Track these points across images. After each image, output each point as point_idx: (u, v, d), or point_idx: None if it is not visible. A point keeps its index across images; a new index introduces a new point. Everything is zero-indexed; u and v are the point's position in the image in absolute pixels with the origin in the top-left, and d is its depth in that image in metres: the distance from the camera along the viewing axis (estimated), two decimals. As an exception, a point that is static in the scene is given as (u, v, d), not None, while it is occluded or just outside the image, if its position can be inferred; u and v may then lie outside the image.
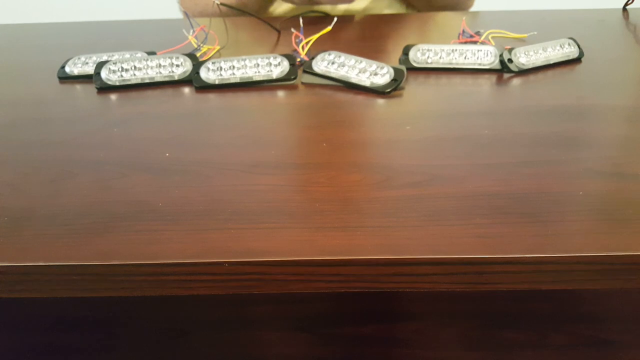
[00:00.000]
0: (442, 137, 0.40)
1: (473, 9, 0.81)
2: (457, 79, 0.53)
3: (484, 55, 0.53)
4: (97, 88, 0.51)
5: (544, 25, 0.71)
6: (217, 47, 0.60)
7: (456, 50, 0.54)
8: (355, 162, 0.37)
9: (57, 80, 0.54)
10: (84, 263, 0.28)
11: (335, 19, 0.61)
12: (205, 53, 0.59)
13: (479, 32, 0.65)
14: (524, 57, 0.53)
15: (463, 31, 0.65)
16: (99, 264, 0.27)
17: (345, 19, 0.75)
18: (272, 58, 0.52)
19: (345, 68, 0.51)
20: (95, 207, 0.32)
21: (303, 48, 0.58)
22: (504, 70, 0.53)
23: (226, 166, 0.37)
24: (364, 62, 0.51)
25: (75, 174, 0.36)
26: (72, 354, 0.56)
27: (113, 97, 0.50)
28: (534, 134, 0.40)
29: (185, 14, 0.62)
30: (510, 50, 0.53)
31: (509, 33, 0.64)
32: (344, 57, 0.52)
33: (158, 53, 0.57)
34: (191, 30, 0.61)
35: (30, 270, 0.28)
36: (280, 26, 0.69)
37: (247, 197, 0.33)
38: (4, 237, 0.30)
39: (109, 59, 0.55)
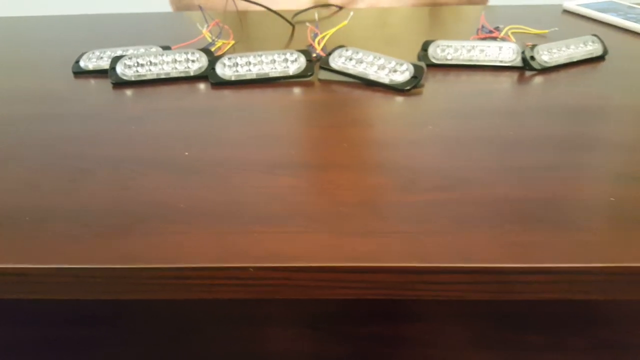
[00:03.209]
0: (466, 137, 0.39)
1: (491, 2, 0.79)
2: (477, 76, 0.52)
3: (506, 52, 0.52)
4: (112, 83, 0.50)
5: (564, 21, 0.70)
6: (232, 42, 0.60)
7: (477, 46, 0.52)
8: (377, 163, 0.36)
9: (71, 74, 0.53)
10: (107, 266, 0.27)
11: (352, 13, 0.60)
12: (219, 48, 0.58)
13: (498, 27, 0.64)
14: (547, 55, 0.52)
15: (482, 26, 0.64)
16: (123, 267, 0.27)
17: (361, 13, 0.74)
18: (288, 54, 0.51)
19: (364, 64, 0.50)
20: (116, 208, 0.31)
21: (319, 43, 0.58)
22: (525, 67, 0.52)
23: (246, 166, 0.36)
24: (382, 59, 0.50)
25: (94, 172, 0.36)
26: (79, 347, 0.56)
27: (129, 92, 0.49)
28: (560, 136, 0.39)
29: (200, 8, 0.61)
30: (532, 48, 0.52)
31: (529, 29, 0.63)
32: (361, 53, 0.51)
33: (173, 47, 0.56)
34: (205, 25, 0.60)
35: (53, 272, 0.27)
36: (294, 20, 0.68)
37: (269, 199, 0.32)
38: (27, 238, 0.29)
39: (124, 53, 0.54)
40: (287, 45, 0.63)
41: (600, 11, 0.69)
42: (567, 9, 0.73)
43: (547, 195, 0.32)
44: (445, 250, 0.27)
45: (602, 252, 0.27)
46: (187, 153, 0.38)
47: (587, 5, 0.72)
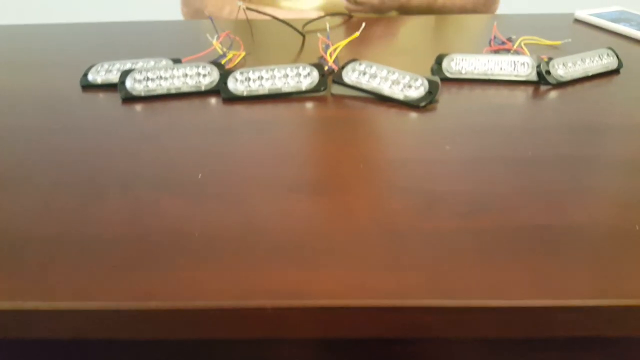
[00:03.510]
0: (484, 158, 0.39)
1: (502, 10, 0.78)
2: (492, 91, 0.51)
3: (521, 67, 0.51)
4: (122, 98, 0.50)
5: (577, 31, 0.69)
6: (243, 53, 0.59)
7: (491, 60, 0.52)
8: (395, 186, 0.36)
9: (79, 88, 0.52)
10: (120, 307, 0.26)
11: (364, 24, 0.59)
12: (230, 60, 0.58)
13: (510, 38, 0.63)
14: (562, 69, 0.51)
15: (494, 37, 0.63)
16: (136, 309, 0.26)
17: (372, 22, 0.73)
18: (300, 68, 0.51)
19: (377, 79, 0.49)
20: (128, 237, 0.31)
21: (331, 55, 0.57)
22: (541, 82, 0.51)
23: (261, 189, 0.36)
24: (396, 73, 0.50)
25: (105, 196, 0.35)
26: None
27: (139, 107, 0.49)
28: (581, 156, 0.39)
29: (210, 18, 0.60)
30: (548, 62, 0.51)
31: (542, 40, 0.62)
32: (375, 68, 0.51)
33: (183, 60, 0.56)
34: (215, 35, 0.60)
35: (61, 311, 0.26)
36: (304, 29, 0.68)
37: (286, 226, 0.32)
38: (35, 272, 0.28)
39: (133, 66, 0.54)
40: (298, 56, 0.62)
41: (612, 21, 0.69)
42: (579, 19, 0.72)
43: (572, 222, 0.31)
44: (472, 287, 0.26)
45: (633, 286, 0.26)
46: (200, 175, 0.37)
47: (599, 15, 0.71)
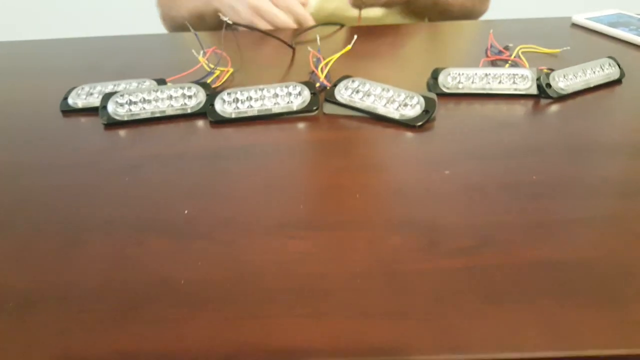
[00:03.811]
0: (486, 185, 0.37)
1: (497, 16, 0.76)
2: (490, 106, 0.49)
3: (520, 80, 0.49)
4: (104, 124, 0.47)
5: (575, 36, 0.67)
6: (231, 70, 0.57)
7: (489, 74, 0.50)
8: (393, 219, 0.34)
9: (59, 113, 0.50)
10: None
11: (355, 36, 0.57)
12: (218, 77, 0.55)
13: (507, 46, 0.61)
14: (563, 81, 0.49)
15: (491, 45, 0.61)
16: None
17: (362, 31, 0.71)
18: (291, 87, 0.49)
19: (371, 98, 0.47)
20: (110, 287, 0.29)
21: (322, 70, 0.55)
22: (541, 95, 0.49)
23: (251, 226, 0.33)
24: (391, 91, 0.47)
25: (85, 240, 0.33)
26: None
27: (122, 134, 0.46)
28: (589, 181, 0.37)
29: (196, 34, 0.58)
30: (548, 74, 0.49)
31: (540, 48, 0.60)
32: (369, 85, 0.48)
33: (168, 80, 0.53)
34: (201, 51, 0.57)
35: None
36: (293, 42, 0.65)
37: (278, 271, 0.29)
38: (10, 329, 0.26)
39: (115, 88, 0.51)
40: (288, 70, 0.60)
41: (610, 25, 0.67)
42: (576, 23, 0.70)
43: (584, 257, 0.29)
44: (476, 337, 0.24)
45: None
46: (186, 212, 0.35)
47: (596, 20, 0.69)
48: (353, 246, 0.31)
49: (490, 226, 0.32)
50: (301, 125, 0.47)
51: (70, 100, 0.50)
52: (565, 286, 0.27)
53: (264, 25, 0.63)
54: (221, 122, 0.47)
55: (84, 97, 0.50)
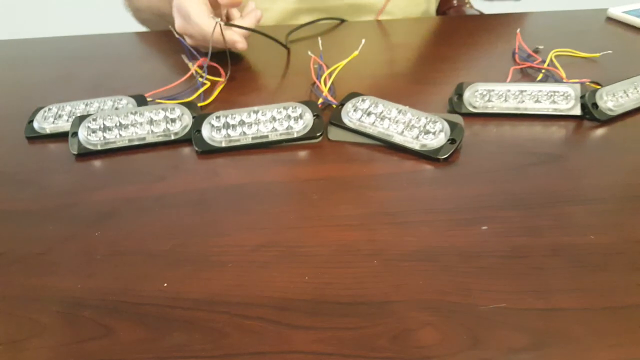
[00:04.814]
0: (534, 247, 0.30)
1: (527, 7, 0.68)
2: (524, 129, 0.42)
3: (562, 99, 0.42)
4: (74, 154, 0.40)
5: (612, 33, 0.59)
6: (223, 82, 0.49)
7: (525, 91, 0.42)
8: (423, 301, 0.27)
9: (24, 139, 0.43)
10: None
11: (363, 40, 0.49)
12: (208, 89, 0.48)
13: (537, 49, 0.53)
14: (612, 101, 0.42)
15: (519, 48, 0.53)
16: None
17: (368, 29, 0.63)
18: (290, 109, 0.41)
19: (386, 122, 0.40)
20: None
21: (325, 82, 0.47)
22: (585, 117, 0.42)
23: (245, 309, 0.27)
24: (409, 114, 0.40)
25: (43, 329, 0.26)
26: None
27: (95, 166, 0.39)
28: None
29: (181, 40, 0.50)
30: (594, 92, 0.42)
31: (576, 52, 0.53)
32: (382, 106, 0.41)
33: (148, 94, 0.46)
34: (190, 63, 0.50)
35: None
36: (287, 40, 0.57)
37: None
38: None
39: (88, 109, 0.44)
40: (283, 75, 0.52)
41: (653, 20, 0.59)
42: (612, 17, 0.62)
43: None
44: None
45: None
46: (165, 284, 0.29)
47: (634, 13, 0.61)
48: (375, 344, 0.25)
49: (546, 311, 0.26)
50: (303, 155, 0.40)
51: (36, 125, 0.43)
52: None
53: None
54: (209, 152, 0.40)
55: (52, 120, 0.43)
